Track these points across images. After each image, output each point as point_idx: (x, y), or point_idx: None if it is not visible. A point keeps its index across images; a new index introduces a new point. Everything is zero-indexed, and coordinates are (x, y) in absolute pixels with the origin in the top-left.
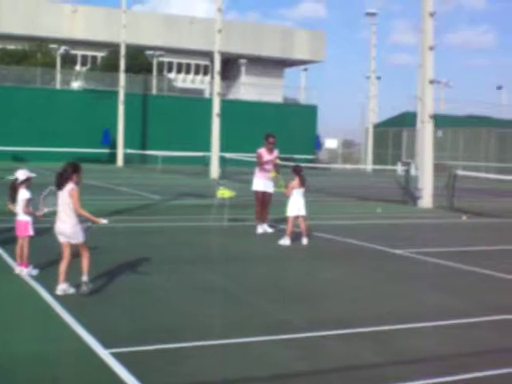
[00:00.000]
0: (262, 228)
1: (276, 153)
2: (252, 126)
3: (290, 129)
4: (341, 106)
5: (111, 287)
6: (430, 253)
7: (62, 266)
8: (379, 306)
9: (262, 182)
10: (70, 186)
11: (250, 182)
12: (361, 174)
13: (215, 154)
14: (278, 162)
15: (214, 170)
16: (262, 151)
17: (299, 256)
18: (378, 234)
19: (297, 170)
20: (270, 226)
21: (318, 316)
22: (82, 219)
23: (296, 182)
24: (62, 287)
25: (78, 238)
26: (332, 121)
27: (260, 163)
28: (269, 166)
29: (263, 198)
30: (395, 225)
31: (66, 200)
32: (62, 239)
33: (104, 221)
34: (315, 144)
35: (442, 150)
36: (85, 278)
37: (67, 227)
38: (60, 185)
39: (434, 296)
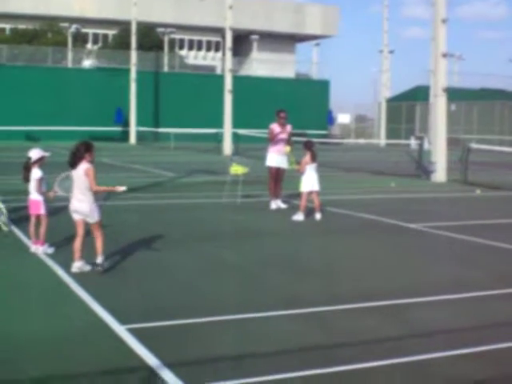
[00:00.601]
0: (276, 204)
1: (289, 128)
2: (264, 102)
3: (303, 104)
4: (353, 81)
5: (126, 264)
6: (444, 227)
7: (77, 244)
8: (395, 280)
9: (275, 158)
10: (85, 166)
11: (262, 158)
12: (374, 148)
13: (228, 130)
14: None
15: (227, 147)
16: (274, 126)
17: (313, 231)
18: (391, 209)
19: (308, 146)
20: (284, 201)
21: (333, 290)
22: (97, 197)
23: (308, 157)
24: (78, 265)
25: (94, 216)
26: (345, 96)
27: (271, 138)
28: (281, 141)
29: (277, 174)
30: (409, 199)
31: (81, 179)
32: (76, 217)
33: (122, 188)
34: (328, 119)
35: (456, 124)
36: (99, 259)
37: (84, 206)
38: (73, 164)
39: (450, 269)
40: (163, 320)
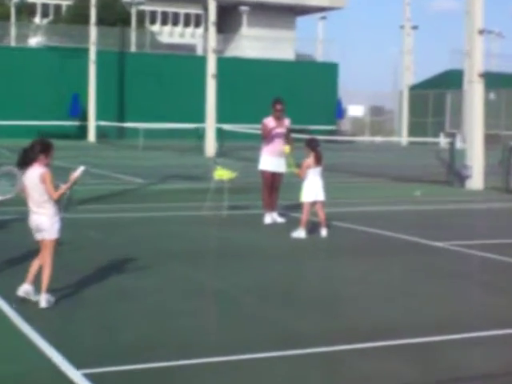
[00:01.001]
0: (271, 217)
1: (287, 122)
2: (256, 90)
3: (305, 93)
4: (368, 64)
5: (84, 292)
6: (479, 245)
7: (35, 265)
8: (416, 312)
9: (270, 160)
10: (39, 170)
11: (255, 160)
12: (394, 148)
13: (211, 125)
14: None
15: (210, 146)
16: (269, 121)
17: (317, 251)
18: (414, 223)
19: (312, 145)
20: (281, 214)
21: (341, 325)
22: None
23: (311, 159)
24: (27, 289)
25: (52, 232)
26: (357, 82)
27: (266, 135)
28: (279, 139)
29: (272, 180)
30: (437, 211)
31: (37, 188)
32: (38, 236)
33: (80, 170)
34: (336, 111)
35: (495, 117)
36: (43, 301)
37: (44, 220)
38: (23, 164)
39: (485, 299)
40: (128, 363)
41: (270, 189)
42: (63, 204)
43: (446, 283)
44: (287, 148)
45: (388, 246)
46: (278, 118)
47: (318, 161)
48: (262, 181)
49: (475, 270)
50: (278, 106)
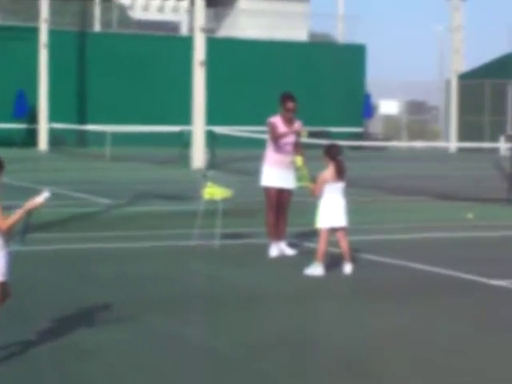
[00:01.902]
0: (278, 248)
1: (298, 125)
2: (259, 81)
3: (322, 84)
4: (404, 47)
5: (33, 351)
6: None
7: None
8: (473, 376)
9: (276, 173)
10: None
11: (256, 174)
12: (439, 156)
13: (199, 128)
14: (302, 138)
15: (198, 155)
16: (277, 121)
17: (338, 294)
18: (466, 255)
19: (331, 153)
20: (291, 244)
21: None
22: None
23: (330, 172)
24: None
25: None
26: (390, 70)
27: (274, 138)
28: (288, 146)
29: (279, 200)
30: (495, 239)
31: None
32: None
33: (43, 196)
34: (363, 109)
35: None
36: None
37: None
38: None
39: None
40: None
41: (275, 211)
42: (19, 235)
43: (508, 337)
44: (299, 159)
45: (432, 286)
46: (289, 121)
47: (340, 174)
48: (265, 200)
49: None
50: (290, 105)
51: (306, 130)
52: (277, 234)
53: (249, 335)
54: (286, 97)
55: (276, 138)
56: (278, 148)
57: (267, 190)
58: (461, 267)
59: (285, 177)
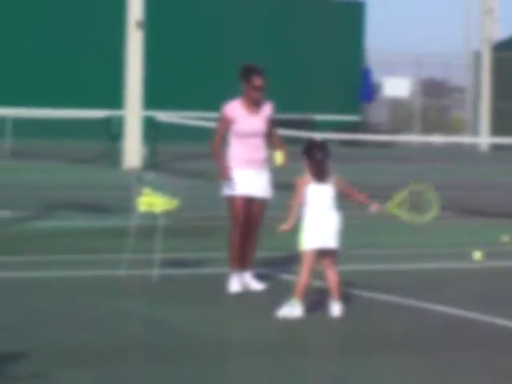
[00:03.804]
0: (241, 281)
1: (267, 109)
2: (216, 49)
3: (304, 55)
4: (417, 7)
5: None
6: None
7: None
8: None
9: (244, 178)
10: None
11: (212, 178)
12: (465, 155)
13: (134, 113)
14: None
15: (132, 151)
16: (233, 110)
17: (323, 345)
18: (502, 294)
19: (310, 151)
20: (258, 276)
21: None
22: None
23: (308, 172)
24: None
25: None
26: (399, 38)
27: (221, 132)
28: (257, 139)
29: (249, 214)
30: None
31: None
32: None
33: None
34: (362, 89)
35: None
36: None
37: None
38: None
39: None
40: None
41: (243, 229)
42: None
43: None
44: (279, 156)
45: (457, 335)
46: (254, 103)
47: (320, 174)
48: (229, 215)
49: None
50: (257, 81)
51: (280, 155)
52: (242, 262)
53: None
54: (251, 70)
55: (212, 146)
56: (244, 142)
57: (232, 200)
58: (498, 311)
59: (256, 181)
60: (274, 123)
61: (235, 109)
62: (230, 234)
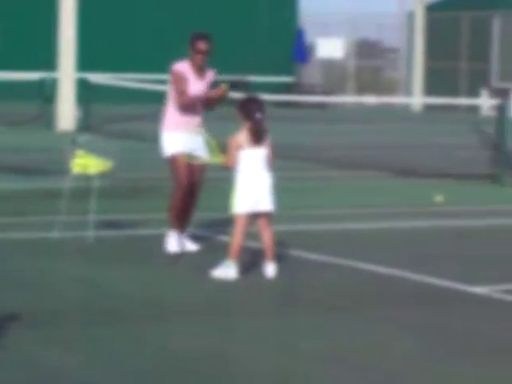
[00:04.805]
0: (180, 242)
1: (210, 75)
2: (151, 8)
3: (235, 16)
4: None
5: None
6: None
7: None
8: None
9: (183, 139)
10: None
11: (146, 139)
12: (400, 115)
13: (68, 75)
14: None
15: (66, 113)
16: (184, 69)
17: (257, 305)
18: (434, 252)
19: (247, 109)
20: (193, 237)
21: None
22: None
23: (244, 133)
24: None
25: None
26: None
27: (181, 100)
28: (198, 103)
29: (191, 175)
30: (474, 230)
31: None
32: None
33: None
34: (295, 50)
35: None
36: None
37: None
38: None
39: None
40: None
41: (186, 191)
42: None
43: (500, 365)
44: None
45: (389, 294)
46: (199, 67)
47: (257, 136)
48: (173, 176)
49: None
50: (202, 46)
51: (225, 85)
52: (182, 223)
53: (137, 362)
54: (199, 36)
55: (184, 102)
56: (186, 106)
57: (174, 160)
58: (427, 269)
59: (195, 143)
60: (215, 87)
61: (185, 70)
62: (173, 195)
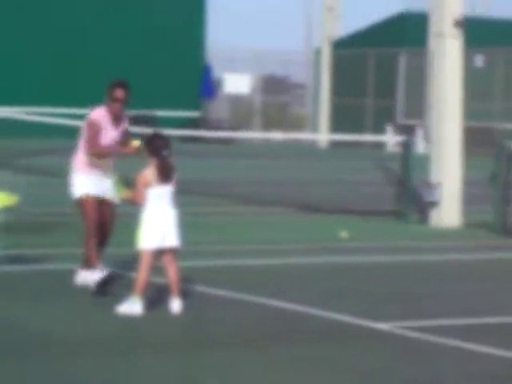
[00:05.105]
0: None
1: (125, 124)
2: (53, 39)
3: (143, 49)
4: (258, 2)
5: None
6: (446, 328)
7: None
8: None
9: (93, 180)
10: None
11: (54, 174)
12: (306, 152)
13: None
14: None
15: None
16: (100, 117)
17: (161, 341)
18: (337, 288)
19: (154, 146)
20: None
21: None
22: None
23: (152, 171)
24: None
25: None
26: (239, 34)
27: (92, 145)
28: (112, 149)
29: (101, 216)
30: (377, 266)
31: None
32: None
33: None
34: (203, 86)
35: (485, 98)
36: None
37: None
38: None
39: None
40: None
41: (97, 230)
42: None
43: None
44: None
45: (294, 330)
46: (117, 117)
47: (165, 173)
48: (84, 218)
49: (444, 373)
50: (120, 94)
51: (139, 142)
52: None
53: None
54: (113, 83)
55: (95, 152)
56: (94, 155)
57: (83, 202)
58: (331, 305)
59: (104, 184)
60: (128, 135)
61: (102, 118)
62: (88, 237)
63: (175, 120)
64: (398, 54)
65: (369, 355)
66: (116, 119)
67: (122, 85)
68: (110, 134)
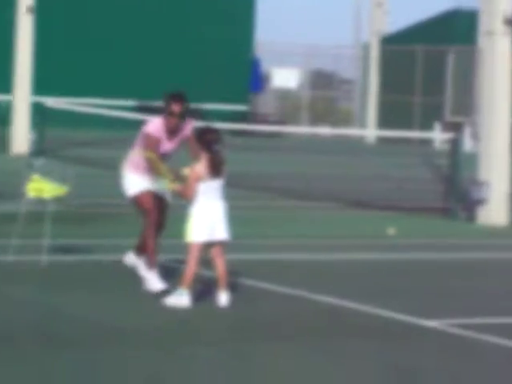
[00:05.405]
0: (159, 278)
1: (188, 129)
2: (109, 36)
3: (192, 44)
4: None
5: None
6: (497, 326)
7: None
8: None
9: (144, 179)
10: None
11: (103, 165)
12: (353, 147)
13: (22, 98)
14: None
15: (21, 136)
16: (157, 132)
17: (209, 334)
18: (385, 285)
19: (205, 140)
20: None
21: None
22: None
23: (203, 165)
24: None
25: None
26: (288, 29)
27: (151, 146)
28: (166, 156)
29: (159, 209)
30: (426, 263)
31: None
32: None
33: None
34: (250, 80)
35: None
36: None
37: None
38: None
39: None
40: None
41: (156, 224)
42: None
43: None
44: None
45: (342, 326)
46: (173, 128)
47: (216, 168)
48: (144, 214)
49: (496, 370)
50: (177, 108)
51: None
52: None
53: None
54: (169, 96)
55: (151, 146)
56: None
57: (140, 199)
58: (380, 302)
59: (156, 183)
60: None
61: (158, 133)
62: (145, 235)
63: (223, 113)
64: (447, 51)
65: (416, 353)
66: (172, 132)
67: (179, 98)
68: (165, 146)
